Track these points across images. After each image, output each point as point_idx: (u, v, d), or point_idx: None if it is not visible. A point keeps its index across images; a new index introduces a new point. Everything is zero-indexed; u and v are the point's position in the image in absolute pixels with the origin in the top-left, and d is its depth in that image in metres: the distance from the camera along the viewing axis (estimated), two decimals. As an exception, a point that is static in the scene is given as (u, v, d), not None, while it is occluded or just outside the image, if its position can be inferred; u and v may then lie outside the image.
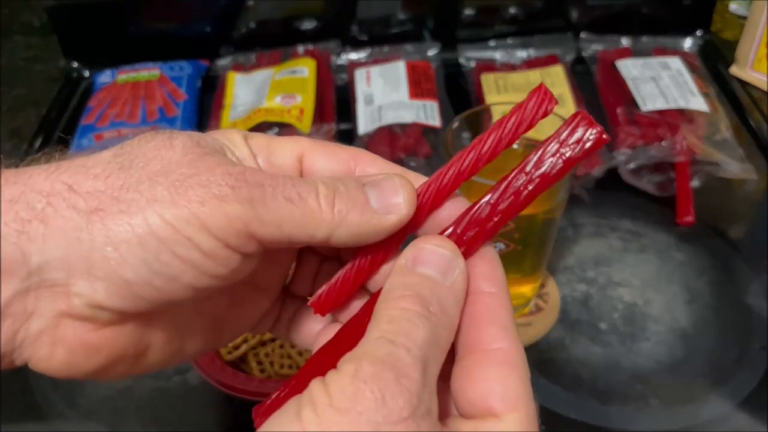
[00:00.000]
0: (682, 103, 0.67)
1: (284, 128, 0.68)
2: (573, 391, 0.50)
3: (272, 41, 0.79)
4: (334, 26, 0.79)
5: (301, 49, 0.78)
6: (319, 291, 0.26)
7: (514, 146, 0.46)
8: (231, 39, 0.79)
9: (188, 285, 0.22)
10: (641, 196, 0.63)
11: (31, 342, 0.22)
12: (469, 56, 0.78)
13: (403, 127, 0.67)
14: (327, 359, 0.24)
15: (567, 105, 0.68)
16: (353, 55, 0.79)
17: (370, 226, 0.24)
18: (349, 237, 0.24)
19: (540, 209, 0.46)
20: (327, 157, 0.26)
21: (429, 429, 0.20)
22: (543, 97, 0.23)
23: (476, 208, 0.24)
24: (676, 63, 0.73)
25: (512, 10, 0.78)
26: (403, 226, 0.24)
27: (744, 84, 0.73)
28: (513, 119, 0.23)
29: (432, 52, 0.78)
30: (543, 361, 0.51)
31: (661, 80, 0.70)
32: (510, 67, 0.75)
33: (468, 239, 0.24)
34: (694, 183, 0.63)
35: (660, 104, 0.67)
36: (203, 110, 0.75)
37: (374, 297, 0.25)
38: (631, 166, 0.64)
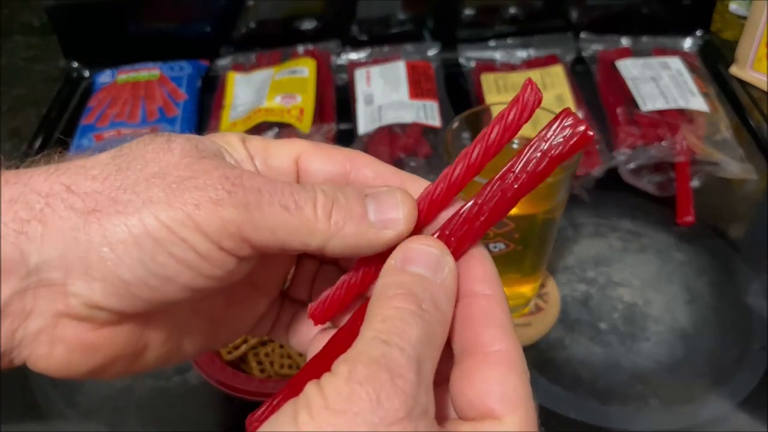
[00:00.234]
0: (682, 103, 0.67)
1: (284, 128, 0.68)
2: (573, 391, 0.50)
3: (272, 41, 0.79)
4: (334, 26, 0.79)
5: (301, 49, 0.78)
6: (317, 301, 0.26)
7: (514, 145, 0.47)
8: (231, 39, 0.79)
9: (184, 285, 0.22)
10: (641, 196, 0.63)
11: (29, 341, 0.22)
12: (469, 56, 0.78)
13: (403, 127, 0.67)
14: (321, 364, 0.24)
15: (567, 105, 0.68)
16: (353, 55, 0.79)
17: (365, 239, 0.24)
18: (343, 248, 0.23)
19: (540, 209, 0.46)
20: (323, 159, 0.26)
21: (426, 429, 0.20)
22: (534, 87, 0.23)
23: (463, 209, 0.24)
24: (676, 63, 0.73)
25: (512, 10, 0.78)
26: (401, 241, 0.24)
27: (744, 84, 0.73)
28: (514, 109, 0.24)
29: (432, 52, 0.78)
30: (543, 361, 0.51)
31: (661, 80, 0.70)
32: (510, 67, 0.75)
33: (457, 239, 0.24)
34: (694, 183, 0.63)
35: (660, 104, 0.67)
36: (203, 110, 0.75)
37: (366, 302, 0.25)
38: (631, 166, 0.64)
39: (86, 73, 0.80)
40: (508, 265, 0.49)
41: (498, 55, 0.78)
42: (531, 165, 0.23)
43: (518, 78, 0.73)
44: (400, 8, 0.78)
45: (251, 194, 0.22)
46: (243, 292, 0.28)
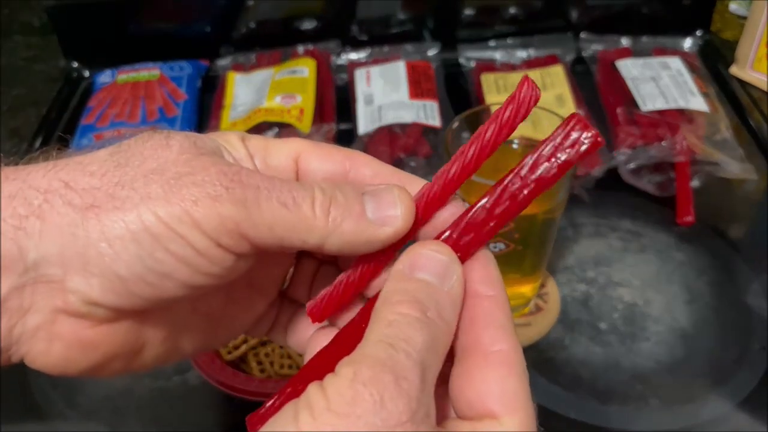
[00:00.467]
0: (682, 103, 0.67)
1: (284, 128, 0.68)
2: (573, 391, 0.50)
3: (272, 41, 0.79)
4: (334, 26, 0.79)
5: (301, 49, 0.78)
6: (316, 298, 0.26)
7: (514, 146, 0.47)
8: (231, 39, 0.79)
9: (182, 282, 0.22)
10: (641, 196, 0.63)
11: (28, 338, 0.22)
12: (469, 56, 0.78)
13: (403, 127, 0.67)
14: (322, 365, 0.24)
15: (567, 105, 0.68)
16: (353, 55, 0.79)
17: (364, 236, 0.23)
18: (341, 245, 0.23)
19: (540, 209, 0.46)
20: (322, 158, 0.26)
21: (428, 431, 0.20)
22: (531, 85, 0.23)
23: (472, 212, 0.24)
24: (676, 63, 0.73)
25: (512, 10, 0.78)
26: (399, 238, 0.24)
27: (744, 84, 0.73)
28: (510, 107, 0.23)
29: (432, 52, 0.78)
30: (543, 361, 0.51)
31: (661, 80, 0.70)
32: (510, 67, 0.76)
33: (464, 244, 0.24)
34: (694, 183, 0.63)
35: (660, 104, 0.67)
36: (203, 110, 0.75)
37: (369, 304, 0.25)
38: (631, 166, 0.64)
39: (86, 73, 0.80)
40: (508, 265, 0.49)
41: (498, 55, 0.78)
42: (540, 170, 0.23)
43: (518, 78, 0.72)
44: (400, 8, 0.78)
45: (249, 191, 0.22)
46: (242, 292, 0.28)
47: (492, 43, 0.79)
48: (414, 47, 0.78)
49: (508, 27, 0.79)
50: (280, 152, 0.26)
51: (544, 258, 0.52)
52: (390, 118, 0.68)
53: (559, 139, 0.23)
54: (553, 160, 0.23)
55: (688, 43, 0.78)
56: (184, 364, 0.52)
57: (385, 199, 0.24)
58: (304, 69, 0.74)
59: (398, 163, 0.65)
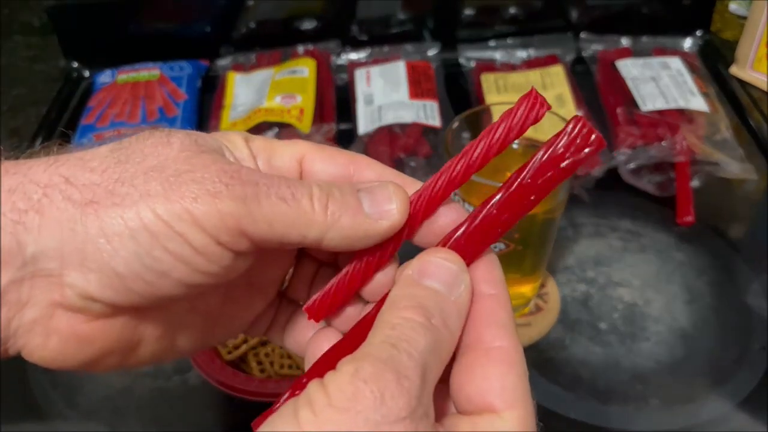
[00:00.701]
0: (682, 103, 0.67)
1: (284, 128, 0.68)
2: (573, 391, 0.50)
3: (272, 41, 0.79)
4: (334, 26, 0.79)
5: (301, 49, 0.78)
6: (314, 297, 0.27)
7: (514, 146, 0.47)
8: (231, 39, 0.79)
9: (179, 281, 0.22)
10: (641, 196, 0.63)
11: (25, 331, 0.22)
12: (469, 56, 0.78)
13: (403, 127, 0.67)
14: (326, 368, 0.24)
15: (567, 105, 0.68)
16: (353, 55, 0.79)
17: (362, 230, 0.24)
18: (340, 240, 0.24)
19: (540, 209, 0.46)
20: (326, 161, 0.26)
21: (426, 430, 0.20)
22: (534, 102, 0.23)
23: (479, 218, 0.24)
24: (676, 63, 0.73)
25: (512, 10, 0.78)
26: (395, 232, 0.24)
27: (744, 84, 0.73)
28: (502, 126, 0.23)
29: (432, 52, 0.78)
30: (543, 361, 0.51)
31: (661, 80, 0.70)
32: (510, 67, 0.75)
33: (471, 249, 0.24)
34: (694, 183, 0.63)
35: (660, 104, 0.67)
36: (203, 110, 0.75)
37: (376, 309, 0.25)
38: (631, 166, 0.64)
39: (86, 73, 0.80)
40: (508, 265, 0.49)
41: (498, 55, 0.78)
42: (546, 175, 0.23)
43: (518, 78, 0.73)
44: (400, 8, 0.78)
45: (249, 187, 0.22)
46: (240, 291, 0.28)
47: (492, 43, 0.79)
48: (414, 47, 0.78)
49: (508, 27, 0.79)
50: (284, 154, 0.26)
51: (544, 258, 0.52)
52: (390, 118, 0.68)
53: (563, 143, 0.23)
54: (557, 163, 0.23)
55: (688, 43, 0.78)
56: (184, 364, 0.52)
57: (380, 194, 0.24)
58: (304, 69, 0.74)
59: (398, 163, 0.65)
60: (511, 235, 0.47)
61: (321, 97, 0.72)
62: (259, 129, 0.68)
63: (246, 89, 0.74)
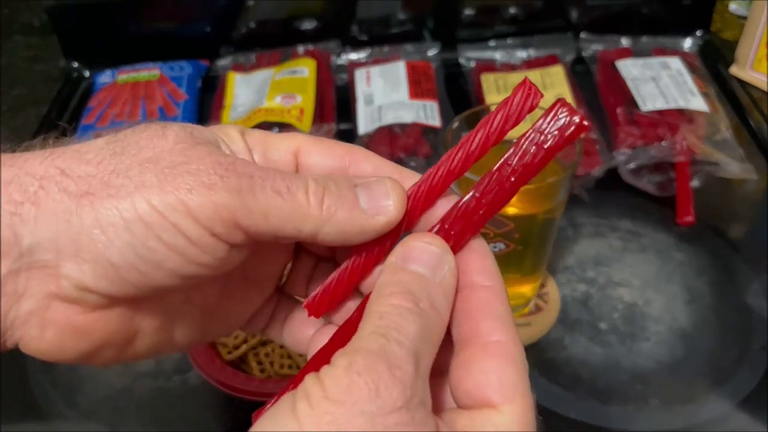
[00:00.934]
0: (682, 103, 0.67)
1: (284, 128, 0.68)
2: (573, 390, 0.50)
3: (272, 41, 0.79)
4: (334, 26, 0.79)
5: (301, 49, 0.78)
6: (313, 293, 0.26)
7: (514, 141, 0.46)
8: (231, 39, 0.79)
9: (174, 272, 0.22)
10: (641, 196, 0.63)
11: (21, 323, 0.23)
12: (469, 56, 0.78)
13: (403, 127, 0.67)
14: (321, 362, 0.24)
15: (567, 105, 0.68)
16: (353, 55, 0.79)
17: (357, 224, 0.24)
18: (336, 234, 0.24)
19: (540, 209, 0.46)
20: (322, 153, 0.26)
21: (423, 419, 0.20)
22: (528, 92, 0.23)
23: (462, 202, 0.24)
24: (676, 63, 0.73)
25: (512, 10, 0.78)
26: (392, 227, 0.24)
27: (744, 84, 0.73)
28: (499, 116, 0.23)
29: (432, 52, 0.78)
30: (543, 361, 0.51)
31: (661, 80, 0.70)
32: (510, 67, 0.76)
33: (456, 233, 0.24)
34: (694, 183, 0.63)
35: (660, 104, 0.67)
36: (203, 110, 0.75)
37: (366, 300, 0.25)
38: (631, 166, 0.64)
39: (86, 73, 0.80)
40: (508, 265, 0.49)
41: (498, 55, 0.78)
42: (528, 157, 0.23)
43: (518, 78, 0.73)
44: (400, 8, 0.78)
45: (244, 179, 0.22)
46: (237, 285, 0.28)
47: (492, 43, 0.79)
48: (414, 47, 0.78)
49: (508, 27, 0.79)
50: (280, 146, 0.26)
51: (544, 258, 0.52)
52: (390, 118, 0.68)
53: (544, 125, 0.23)
54: (539, 145, 0.23)
55: (688, 43, 0.78)
56: (184, 364, 0.52)
57: (377, 190, 0.24)
58: (304, 69, 0.74)
59: (398, 163, 0.64)
60: (511, 235, 0.47)
61: (321, 97, 0.72)
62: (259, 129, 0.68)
63: (246, 89, 0.74)
